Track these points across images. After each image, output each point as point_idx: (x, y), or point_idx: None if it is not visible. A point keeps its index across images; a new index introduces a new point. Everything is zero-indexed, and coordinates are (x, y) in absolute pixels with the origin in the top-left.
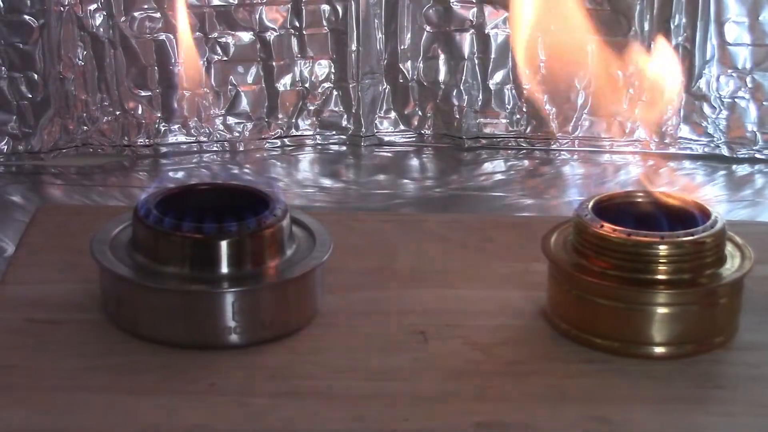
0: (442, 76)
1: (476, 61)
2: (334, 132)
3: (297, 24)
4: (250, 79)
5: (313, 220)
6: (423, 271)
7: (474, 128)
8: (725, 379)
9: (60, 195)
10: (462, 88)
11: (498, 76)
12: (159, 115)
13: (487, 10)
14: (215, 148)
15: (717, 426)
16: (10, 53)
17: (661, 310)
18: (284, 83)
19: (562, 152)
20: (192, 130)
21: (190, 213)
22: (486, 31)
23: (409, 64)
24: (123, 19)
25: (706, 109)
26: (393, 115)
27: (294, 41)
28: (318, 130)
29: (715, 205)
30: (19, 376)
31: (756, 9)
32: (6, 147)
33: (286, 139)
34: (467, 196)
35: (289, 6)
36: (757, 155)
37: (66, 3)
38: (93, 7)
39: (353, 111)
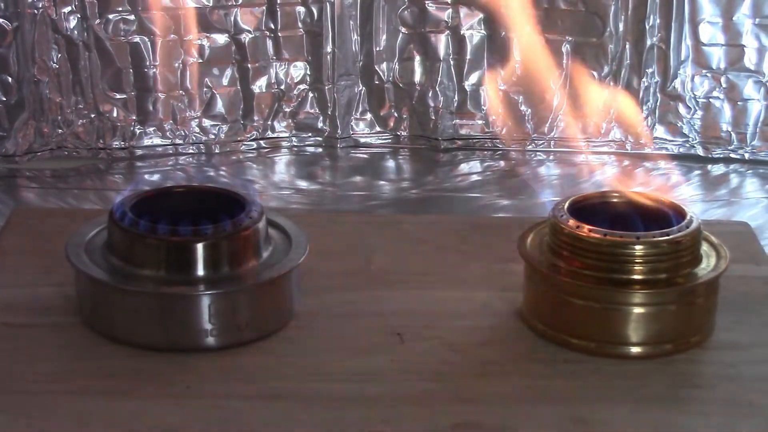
0: (417, 78)
1: (452, 62)
2: (309, 134)
3: (272, 26)
4: (225, 81)
5: (290, 222)
6: (400, 273)
7: (450, 129)
8: (702, 379)
9: (35, 198)
10: (438, 89)
11: (473, 77)
12: (134, 117)
13: (463, 11)
14: (191, 151)
15: (693, 425)
16: None
17: (637, 310)
18: (260, 85)
19: (538, 153)
20: (167, 133)
21: (166, 215)
22: (461, 32)
23: (384, 65)
24: (97, 21)
25: (681, 109)
26: (369, 116)
27: (269, 43)
28: (294, 132)
29: (690, 205)
30: None
31: (730, 9)
32: None
33: (262, 141)
34: (443, 197)
35: (264, 8)
36: (732, 155)
37: (40, 5)
38: (67, 9)
39: (329, 113)
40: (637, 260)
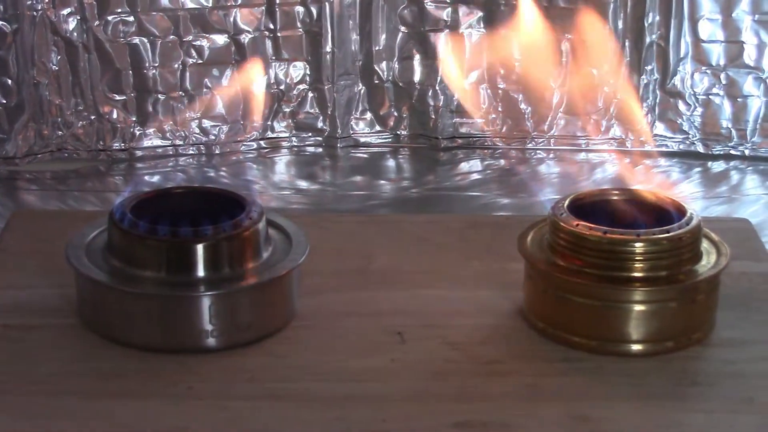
0: (417, 77)
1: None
2: (309, 134)
3: (271, 26)
4: (225, 81)
5: (290, 223)
6: (400, 272)
7: (450, 128)
8: (703, 376)
9: (35, 200)
10: (437, 88)
11: (473, 76)
12: (134, 118)
13: (462, 10)
14: (191, 152)
15: (695, 422)
16: None
17: (638, 308)
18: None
19: (537, 151)
20: (167, 134)
21: (166, 217)
22: (460, 31)
23: (384, 64)
24: (97, 23)
25: (681, 106)
26: (369, 116)
27: (269, 43)
28: (294, 132)
29: (690, 202)
30: None
31: (729, 6)
32: None
33: (261, 142)
34: (444, 196)
35: (263, 8)
36: (732, 152)
37: (39, 7)
38: (66, 11)
39: (329, 112)
40: (637, 258)
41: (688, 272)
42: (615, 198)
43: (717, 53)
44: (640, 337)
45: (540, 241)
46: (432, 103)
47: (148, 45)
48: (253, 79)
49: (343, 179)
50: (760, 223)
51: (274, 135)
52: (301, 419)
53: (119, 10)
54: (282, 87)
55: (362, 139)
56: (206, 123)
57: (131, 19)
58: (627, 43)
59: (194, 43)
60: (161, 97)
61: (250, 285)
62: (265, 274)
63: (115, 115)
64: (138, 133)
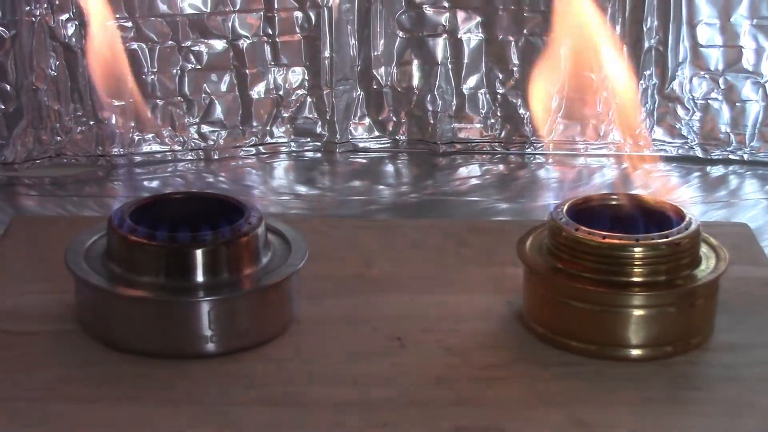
0: (415, 82)
1: (450, 66)
2: (308, 139)
3: (270, 31)
4: (223, 87)
5: (289, 228)
6: (399, 277)
7: (448, 133)
8: (702, 380)
9: (34, 206)
10: (436, 93)
11: (471, 81)
12: (133, 124)
13: (460, 15)
14: (190, 157)
15: (694, 427)
16: None
17: (637, 312)
18: (258, 91)
19: (536, 156)
20: (166, 139)
21: (165, 222)
22: (459, 36)
23: (382, 69)
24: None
25: (680, 110)
26: (367, 121)
27: (267, 49)
28: (293, 137)
29: (689, 207)
30: None
31: (727, 11)
32: None
33: (260, 147)
34: (443, 201)
35: (262, 13)
36: (731, 156)
37: (37, 13)
38: (65, 17)
39: (327, 118)
40: (636, 262)
41: (687, 277)
42: (614, 203)
43: (715, 58)
44: (640, 342)
45: (539, 246)
46: (431, 108)
47: (146, 50)
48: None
49: (342, 184)
50: (759, 227)
51: (273, 140)
52: (300, 424)
53: (118, 16)
54: (281, 92)
55: (361, 144)
56: (205, 128)
57: (130, 24)
58: (625, 48)
59: (193, 49)
60: (160, 102)
61: (249, 290)
62: (264, 280)
63: (113, 121)
64: (137, 138)
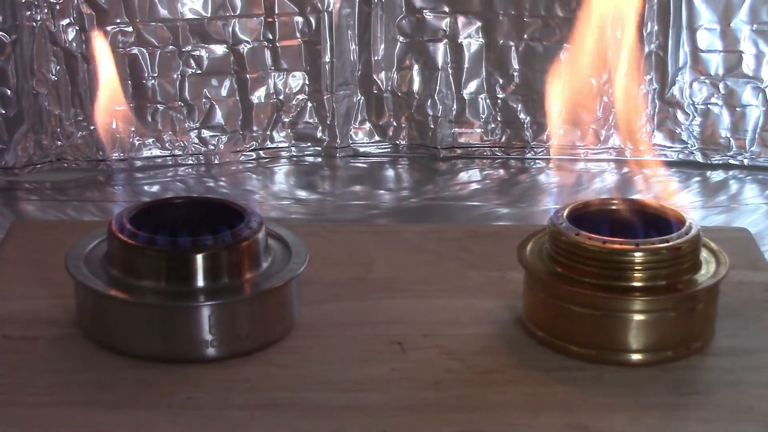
0: (416, 87)
1: (450, 71)
2: (309, 143)
3: (270, 36)
4: (224, 92)
5: (289, 232)
6: (399, 282)
7: (449, 138)
8: (702, 385)
9: (35, 210)
10: (436, 98)
11: (472, 86)
12: (133, 129)
13: (461, 20)
14: (190, 162)
15: (694, 431)
16: None
17: (638, 317)
18: (258, 96)
19: (537, 161)
20: (167, 144)
21: (166, 227)
22: (459, 41)
23: (383, 74)
24: (95, 33)
25: (680, 115)
26: (368, 125)
27: (267, 53)
28: (293, 142)
29: (689, 212)
30: None
31: (727, 16)
32: None
33: (261, 152)
34: (443, 205)
35: (262, 18)
36: (731, 161)
37: (38, 18)
38: (65, 22)
39: (328, 122)
40: (636, 267)
41: (688, 281)
42: (614, 207)
43: (716, 63)
44: (640, 347)
45: (539, 250)
46: (431, 112)
47: (147, 55)
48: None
49: (342, 189)
50: (759, 232)
51: (274, 145)
52: (301, 429)
53: (118, 21)
54: (281, 97)
55: (361, 149)
56: (205, 133)
57: (130, 29)
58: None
59: (193, 54)
60: (160, 107)
61: (249, 295)
62: (265, 284)
63: (114, 125)
64: (137, 143)
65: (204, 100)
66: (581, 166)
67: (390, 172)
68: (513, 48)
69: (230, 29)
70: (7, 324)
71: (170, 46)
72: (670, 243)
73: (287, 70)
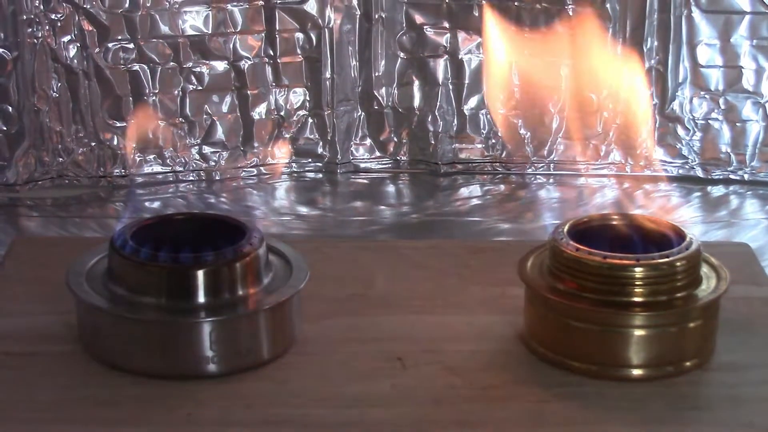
0: (416, 102)
1: (450, 87)
2: (309, 159)
3: (271, 52)
4: (225, 108)
5: (290, 248)
6: (400, 298)
7: (449, 153)
8: (703, 400)
9: (36, 227)
10: (437, 113)
11: (472, 102)
12: (134, 145)
13: (461, 35)
14: (191, 178)
15: None
16: None
17: (638, 333)
18: (259, 112)
19: (537, 176)
20: (168, 160)
21: (167, 243)
22: (459, 57)
23: (383, 90)
24: (97, 50)
25: (680, 130)
26: (368, 141)
27: (268, 70)
28: (294, 158)
29: (690, 227)
30: None
31: (727, 31)
32: None
33: (262, 168)
34: (444, 221)
35: (263, 35)
36: (732, 176)
37: (39, 35)
38: (67, 38)
39: (329, 138)
40: (637, 282)
41: (688, 297)
42: (615, 223)
43: (716, 78)
44: (640, 362)
45: (540, 266)
46: (431, 128)
47: (148, 72)
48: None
49: (343, 205)
50: (760, 247)
51: (275, 161)
52: None
53: (119, 37)
54: (282, 113)
55: (362, 165)
56: (206, 149)
57: (131, 46)
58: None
59: (194, 70)
60: (161, 123)
61: (250, 311)
62: (266, 300)
63: (115, 142)
64: (138, 159)
65: (205, 116)
66: (581, 181)
67: (391, 188)
68: (513, 64)
69: (231, 45)
70: (7, 340)
71: (171, 63)
72: (671, 258)
73: (288, 86)
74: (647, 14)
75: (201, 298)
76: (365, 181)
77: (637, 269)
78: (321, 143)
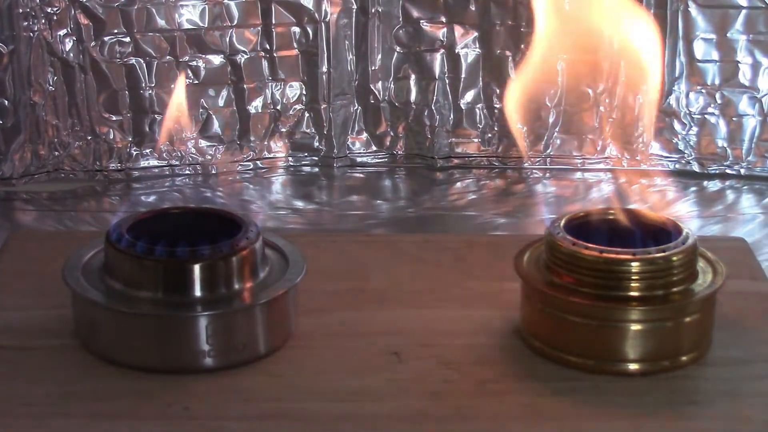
0: (413, 97)
1: (447, 81)
2: (306, 153)
3: (267, 46)
4: (221, 102)
5: (286, 242)
6: (396, 292)
7: (446, 148)
8: (699, 395)
9: (32, 221)
10: (433, 108)
11: (469, 96)
12: (130, 139)
13: (457, 30)
14: (187, 172)
15: None
16: None
17: (635, 327)
18: (256, 106)
19: (534, 171)
20: (164, 154)
21: (163, 237)
22: (456, 51)
23: (380, 84)
24: (93, 43)
25: (677, 125)
26: (365, 135)
27: (265, 63)
28: (290, 152)
29: (686, 221)
30: None
31: (723, 26)
32: None
33: (258, 162)
34: (440, 215)
35: (260, 28)
36: (728, 171)
37: (35, 28)
38: (63, 32)
39: (325, 132)
40: (633, 277)
41: (684, 291)
42: (611, 217)
43: (712, 73)
44: (637, 357)
45: (536, 260)
46: (428, 122)
47: (144, 65)
48: None
49: (339, 199)
50: (756, 242)
51: (271, 155)
52: None
53: (115, 31)
54: (278, 107)
55: (359, 159)
56: (203, 143)
57: (127, 39)
58: (622, 63)
59: (190, 64)
60: (158, 117)
61: (247, 305)
62: (262, 295)
63: (111, 136)
64: (134, 153)
65: (201, 110)
66: (578, 175)
67: (387, 182)
68: (510, 58)
69: (227, 39)
70: (3, 334)
71: (168, 57)
72: (667, 253)
73: (284, 80)
74: None
75: (197, 292)
76: (362, 175)
77: (634, 264)
78: (317, 137)
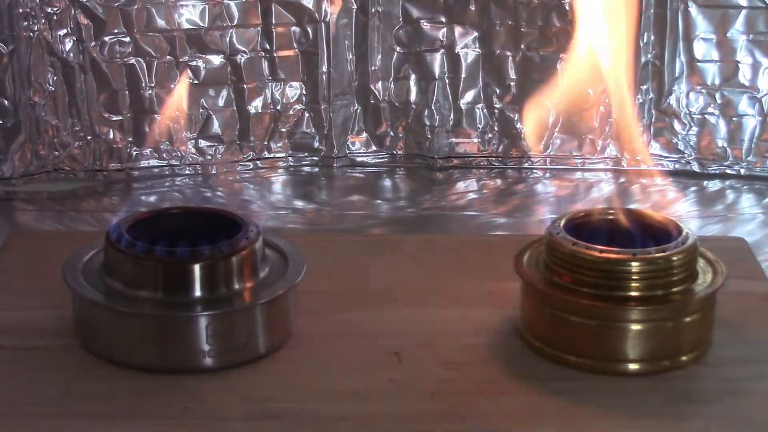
0: (413, 97)
1: (447, 81)
2: (306, 154)
3: (267, 46)
4: (221, 102)
5: (286, 242)
6: (397, 292)
7: (446, 148)
8: (699, 395)
9: (32, 220)
10: (433, 107)
11: (469, 96)
12: (130, 139)
13: (458, 30)
14: (187, 172)
15: None
16: None
17: (634, 327)
18: (256, 106)
19: (534, 171)
20: (164, 154)
21: (163, 237)
22: (456, 51)
23: (380, 84)
24: (93, 43)
25: (677, 125)
26: (365, 135)
27: (265, 64)
28: (290, 152)
29: (686, 221)
30: None
31: (724, 26)
32: None
33: (258, 162)
34: (440, 215)
35: (260, 29)
36: (728, 171)
37: (35, 28)
38: (63, 32)
39: (325, 132)
40: (633, 277)
41: (684, 291)
42: (611, 217)
43: (712, 73)
44: (637, 356)
45: (536, 260)
46: (428, 122)
47: (144, 65)
48: None
49: (339, 199)
50: (756, 241)
51: (271, 155)
52: None
53: (115, 31)
54: (278, 107)
55: (358, 159)
56: (202, 143)
57: (127, 39)
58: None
59: (190, 64)
60: (158, 117)
61: (247, 305)
62: (262, 294)
63: (111, 136)
64: (134, 153)
65: (201, 110)
66: (578, 175)
67: (387, 182)
68: (510, 58)
69: (227, 39)
70: (3, 334)
71: (167, 57)
72: (667, 253)
73: (284, 81)
74: (644, 9)
75: (197, 292)
76: (361, 175)
77: (634, 264)
78: (317, 137)
